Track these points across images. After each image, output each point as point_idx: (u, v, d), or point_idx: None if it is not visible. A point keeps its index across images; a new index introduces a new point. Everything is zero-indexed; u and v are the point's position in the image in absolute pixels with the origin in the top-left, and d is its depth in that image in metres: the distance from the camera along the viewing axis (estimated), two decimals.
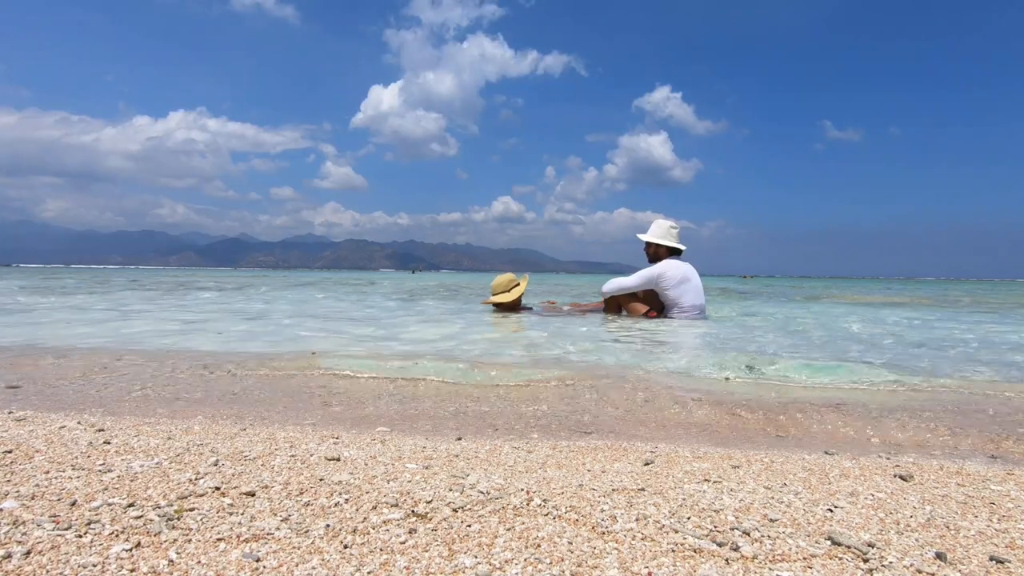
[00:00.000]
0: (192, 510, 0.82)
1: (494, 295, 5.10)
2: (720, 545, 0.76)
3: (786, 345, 3.49)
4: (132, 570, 0.65)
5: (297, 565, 0.68)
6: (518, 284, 5.08)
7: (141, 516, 0.79)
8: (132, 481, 0.93)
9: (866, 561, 0.74)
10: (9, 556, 0.67)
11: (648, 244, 4.82)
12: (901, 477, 1.12)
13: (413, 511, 0.84)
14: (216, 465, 1.03)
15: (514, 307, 5.07)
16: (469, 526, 0.80)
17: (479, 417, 1.69)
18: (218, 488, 0.91)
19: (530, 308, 5.33)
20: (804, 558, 0.74)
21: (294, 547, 0.72)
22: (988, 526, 0.87)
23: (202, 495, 0.88)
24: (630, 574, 0.68)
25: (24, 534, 0.72)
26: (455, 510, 0.85)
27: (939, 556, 0.75)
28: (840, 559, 0.74)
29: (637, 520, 0.83)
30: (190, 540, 0.73)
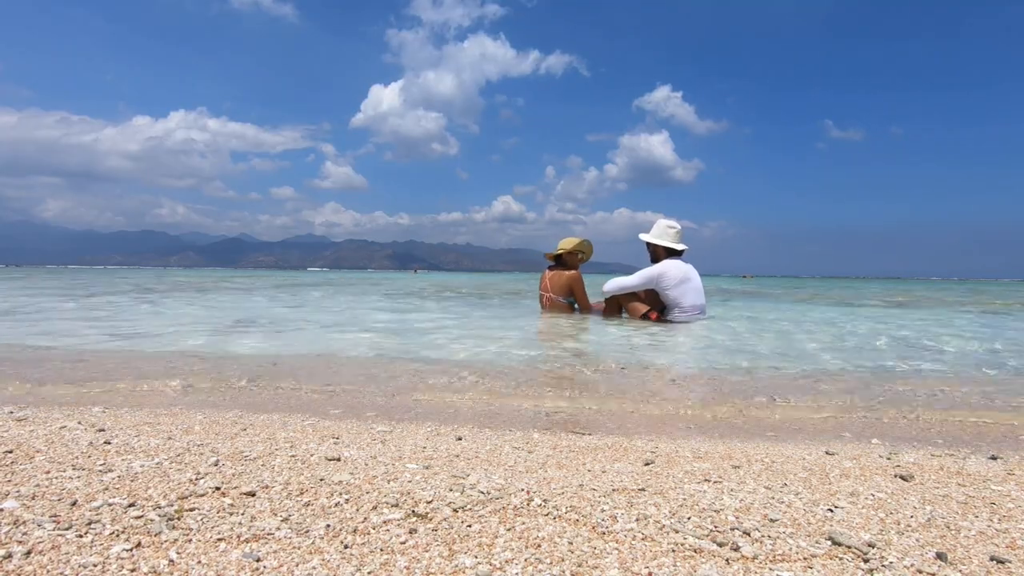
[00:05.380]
0: (192, 510, 0.82)
1: (564, 246, 5.17)
2: (720, 545, 0.76)
3: (782, 344, 3.49)
4: (132, 570, 0.65)
5: (297, 565, 0.68)
6: (582, 251, 5.18)
7: (141, 516, 0.79)
8: (132, 481, 0.93)
9: (866, 561, 0.73)
10: (10, 556, 0.67)
11: (648, 243, 4.82)
12: (901, 477, 1.12)
13: (413, 511, 0.84)
14: (216, 465, 1.03)
15: (572, 263, 5.15)
16: (469, 526, 0.80)
17: (481, 417, 1.69)
18: (218, 488, 0.91)
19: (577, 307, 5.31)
20: (804, 558, 0.74)
21: (294, 547, 0.72)
22: (989, 526, 0.87)
23: (202, 495, 0.88)
24: (630, 574, 0.68)
25: (25, 534, 0.72)
26: (455, 510, 0.85)
27: (940, 556, 0.75)
28: (840, 559, 0.74)
29: (637, 520, 0.83)
30: (190, 540, 0.73)
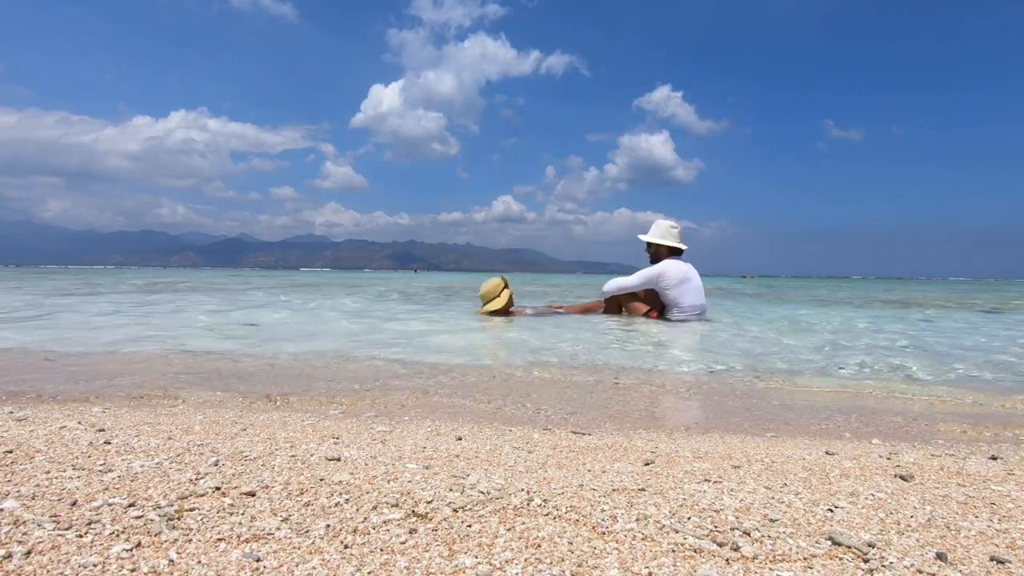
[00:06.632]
0: (192, 510, 0.82)
1: (486, 303, 4.99)
2: (720, 545, 0.76)
3: (781, 344, 3.49)
4: (132, 570, 0.65)
5: (297, 565, 0.68)
6: (506, 287, 4.99)
7: (141, 516, 0.79)
8: (132, 481, 0.93)
9: (866, 561, 0.73)
10: (10, 556, 0.67)
11: (649, 244, 4.82)
12: (901, 477, 1.12)
13: (413, 511, 0.84)
14: (216, 465, 1.03)
15: (507, 310, 5.00)
16: (469, 526, 0.80)
17: (481, 417, 1.69)
18: (218, 488, 0.91)
19: (524, 309, 5.27)
20: (804, 558, 0.74)
21: (294, 547, 0.72)
22: (989, 526, 0.87)
23: (202, 495, 0.88)
24: (630, 574, 0.68)
25: (25, 534, 0.72)
26: (455, 510, 0.85)
27: (940, 556, 0.75)
28: (840, 559, 0.74)
29: (637, 520, 0.83)
30: (190, 540, 0.73)
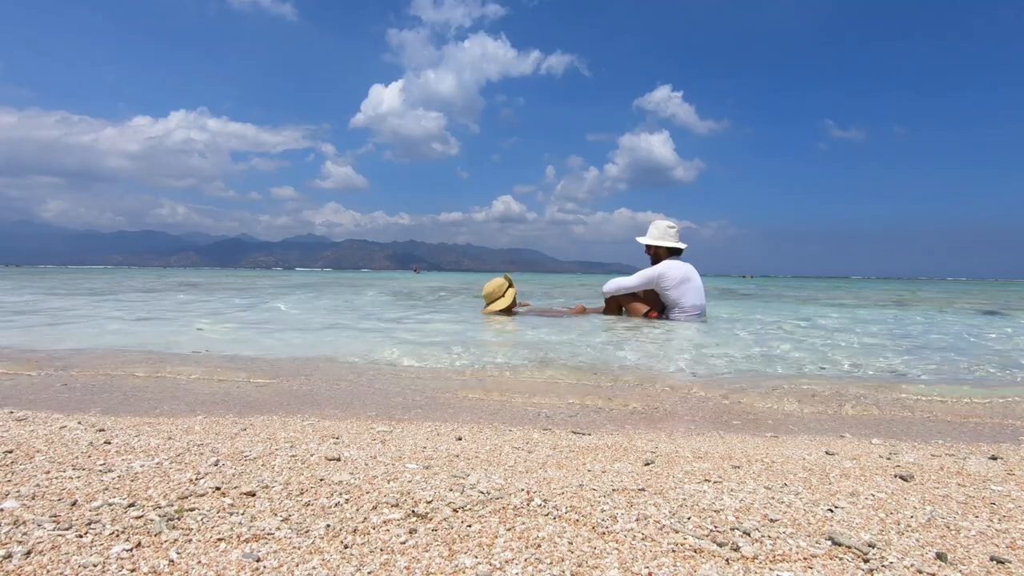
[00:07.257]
0: (192, 510, 0.82)
1: (490, 302, 4.99)
2: (720, 545, 0.76)
3: (782, 344, 3.49)
4: (132, 570, 0.65)
5: (297, 565, 0.68)
6: (510, 286, 4.99)
7: (141, 516, 0.79)
8: (133, 481, 0.93)
9: (867, 561, 0.73)
10: (10, 556, 0.67)
11: (648, 246, 4.82)
12: (901, 477, 1.12)
13: (413, 511, 0.84)
14: (216, 465, 1.03)
15: (509, 310, 5.00)
16: (469, 526, 0.80)
17: (481, 417, 1.69)
18: (218, 488, 0.91)
19: (526, 305, 5.27)
20: (805, 558, 0.74)
21: (294, 547, 0.72)
22: (989, 526, 0.87)
23: (202, 495, 0.88)
24: (630, 574, 0.68)
25: (25, 534, 0.72)
26: (455, 510, 0.85)
27: (940, 556, 0.75)
28: (841, 559, 0.74)
29: (637, 520, 0.83)
30: (190, 540, 0.73)
